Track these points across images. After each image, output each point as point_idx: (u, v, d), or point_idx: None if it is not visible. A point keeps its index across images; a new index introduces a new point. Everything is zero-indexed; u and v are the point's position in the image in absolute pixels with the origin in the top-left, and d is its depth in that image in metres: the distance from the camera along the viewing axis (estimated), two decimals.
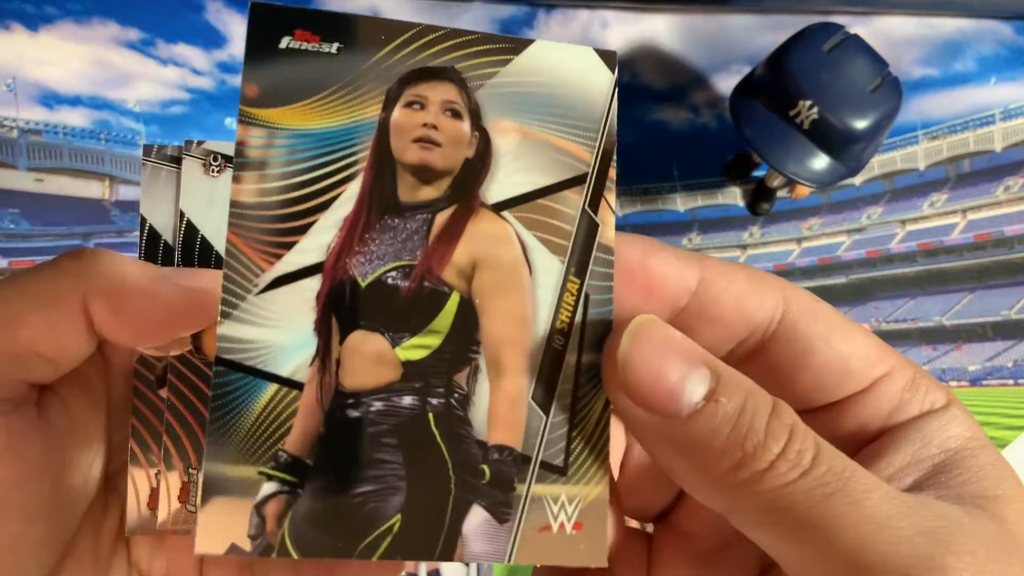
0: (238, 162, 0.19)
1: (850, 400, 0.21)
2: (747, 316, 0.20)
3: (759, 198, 0.54)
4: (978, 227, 0.56)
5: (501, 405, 0.19)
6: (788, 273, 0.55)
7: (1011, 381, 0.54)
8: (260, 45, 0.19)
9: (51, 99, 0.50)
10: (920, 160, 0.56)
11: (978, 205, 0.56)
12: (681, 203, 0.55)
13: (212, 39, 0.52)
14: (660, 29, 0.55)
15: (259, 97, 0.19)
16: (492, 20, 0.54)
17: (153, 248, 0.25)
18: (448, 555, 0.19)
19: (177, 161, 0.26)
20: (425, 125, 0.19)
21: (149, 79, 0.51)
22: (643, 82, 0.55)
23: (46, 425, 0.22)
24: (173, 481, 0.24)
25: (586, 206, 0.20)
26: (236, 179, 0.19)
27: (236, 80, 0.52)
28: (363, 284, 0.19)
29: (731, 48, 0.55)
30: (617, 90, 0.20)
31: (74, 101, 0.50)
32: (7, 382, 0.21)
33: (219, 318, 0.19)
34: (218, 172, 0.25)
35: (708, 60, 0.55)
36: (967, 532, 0.17)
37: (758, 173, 0.54)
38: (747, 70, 0.49)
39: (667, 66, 0.55)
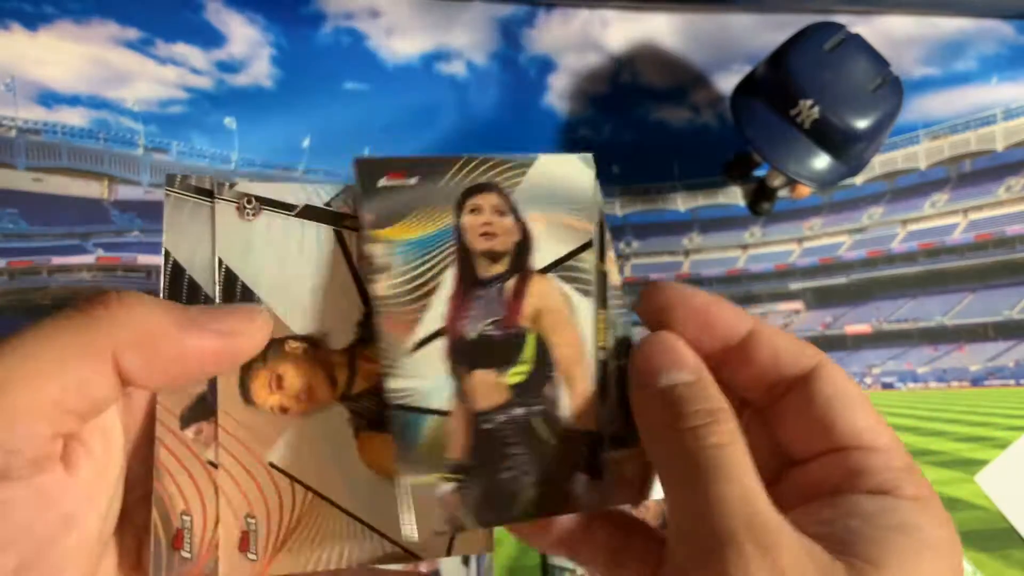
0: (371, 268, 0.26)
1: (826, 457, 0.25)
2: (780, 368, 0.26)
3: (760, 198, 0.54)
4: (979, 227, 0.56)
5: (577, 403, 0.27)
6: (789, 273, 0.55)
7: (1012, 381, 0.54)
8: (368, 186, 0.27)
9: (50, 98, 0.50)
10: (921, 160, 0.56)
11: (979, 205, 0.56)
12: (682, 203, 0.55)
13: (211, 38, 0.52)
14: (660, 28, 0.55)
15: (375, 221, 0.27)
16: (492, 19, 0.54)
17: (177, 284, 0.26)
18: (570, 508, 0.26)
19: (202, 192, 0.26)
20: (485, 223, 0.28)
21: (148, 78, 0.51)
22: (643, 82, 0.55)
23: (73, 478, 0.22)
24: (230, 531, 0.25)
25: (597, 261, 0.28)
26: (371, 280, 0.26)
27: (235, 79, 0.52)
28: (472, 338, 0.27)
29: (732, 47, 0.55)
30: (598, 182, 0.29)
31: (73, 100, 0.50)
32: (34, 440, 0.21)
33: (385, 375, 0.25)
34: (253, 215, 0.27)
35: (709, 59, 0.55)
36: (815, 559, 0.21)
37: (759, 173, 0.54)
38: (748, 69, 0.49)
39: (667, 66, 0.55)
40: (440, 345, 0.26)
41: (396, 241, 0.27)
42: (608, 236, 0.29)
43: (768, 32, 0.55)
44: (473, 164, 0.28)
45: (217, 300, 0.26)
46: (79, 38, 0.51)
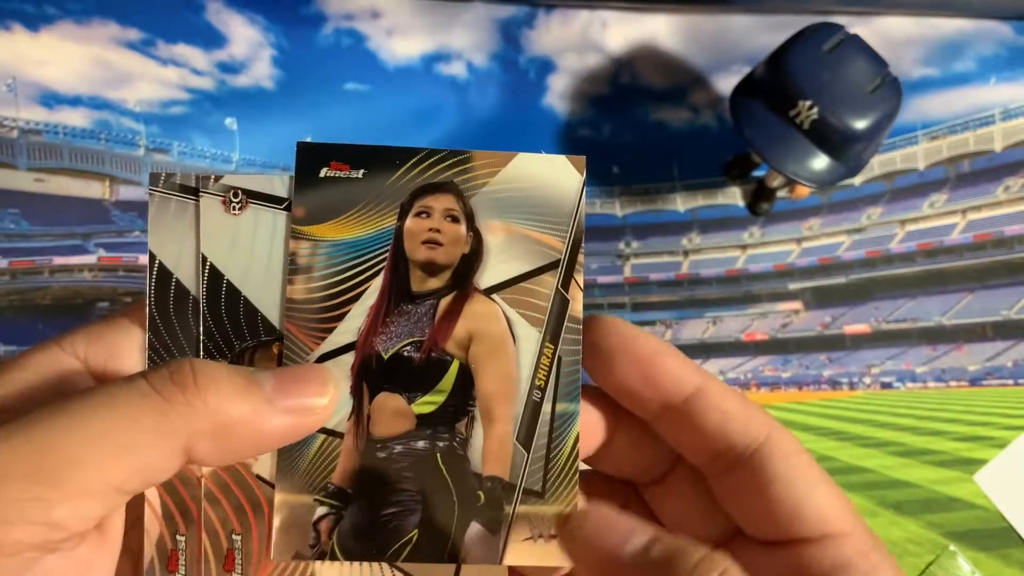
0: (291, 268, 0.24)
1: (797, 545, 0.23)
2: (728, 435, 0.24)
3: (759, 198, 0.54)
4: (978, 227, 0.56)
5: (492, 445, 0.25)
6: (788, 273, 0.55)
7: (1011, 381, 0.54)
8: (305, 176, 0.24)
9: (51, 99, 0.50)
10: (920, 160, 0.56)
11: (978, 205, 0.56)
12: (681, 203, 0.55)
13: (212, 39, 0.52)
14: (660, 29, 0.55)
15: (305, 217, 0.24)
16: (492, 20, 0.54)
17: (164, 289, 0.24)
18: (453, 558, 0.24)
19: (187, 191, 0.25)
20: (431, 230, 0.25)
21: (149, 79, 0.51)
22: (643, 82, 0.55)
23: (106, 542, 0.22)
24: (214, 549, 0.24)
25: (559, 286, 0.25)
26: (290, 281, 0.24)
27: (236, 80, 0.52)
28: (386, 356, 0.24)
29: (731, 48, 0.55)
30: (585, 188, 0.25)
31: (74, 101, 0.50)
32: (85, 519, 0.20)
33: None
34: (239, 209, 0.25)
35: (708, 60, 0.55)
36: None
37: (758, 173, 0.54)
38: (747, 70, 0.49)
39: (667, 66, 0.55)
40: (346, 360, 0.24)
41: (324, 240, 0.24)
42: (582, 259, 0.25)
43: (767, 33, 0.55)
44: (434, 159, 0.25)
45: (202, 302, 0.24)
46: (80, 39, 0.51)
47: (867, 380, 0.54)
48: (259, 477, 0.25)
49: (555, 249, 0.25)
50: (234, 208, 0.25)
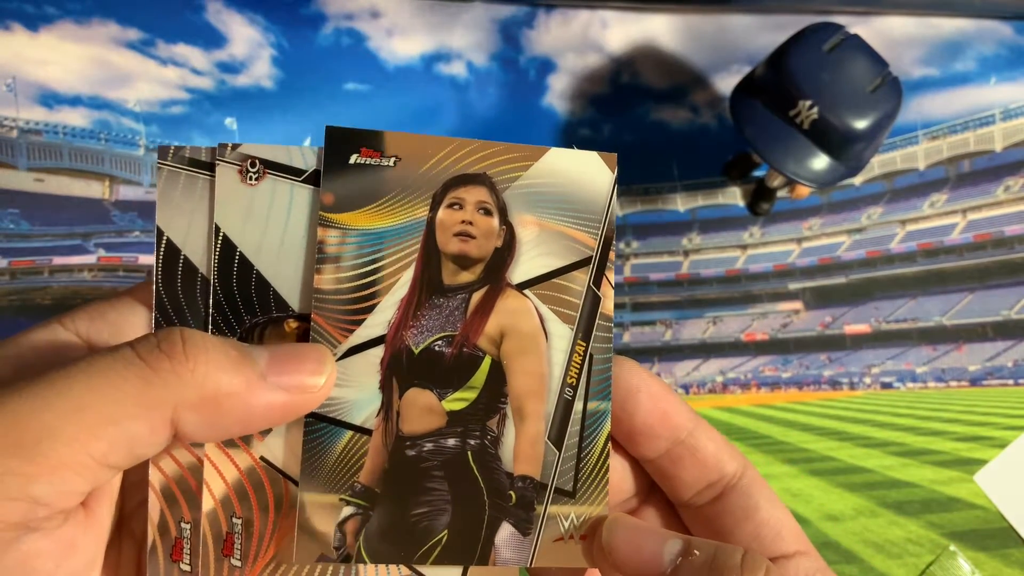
0: (319, 256, 0.23)
1: (780, 561, 0.25)
2: (721, 464, 0.25)
3: (759, 198, 0.54)
4: (978, 227, 0.56)
5: (524, 444, 0.24)
6: (788, 273, 0.55)
7: (1011, 381, 0.54)
8: (334, 161, 0.23)
9: (51, 99, 0.50)
10: (920, 160, 0.56)
11: (978, 205, 0.56)
12: (681, 203, 0.55)
13: (212, 39, 0.52)
14: (660, 29, 0.55)
15: (334, 204, 0.23)
16: (492, 20, 0.54)
17: (171, 266, 0.23)
18: (484, 560, 0.24)
19: (197, 164, 0.23)
20: (463, 222, 0.24)
21: (149, 79, 0.51)
22: (643, 82, 0.55)
23: (93, 521, 0.21)
24: (213, 533, 0.23)
25: (591, 283, 0.25)
26: (318, 271, 0.23)
27: (236, 80, 0.52)
28: (416, 351, 0.24)
29: (731, 48, 0.55)
30: (616, 186, 0.25)
31: (74, 101, 0.50)
32: (68, 495, 0.19)
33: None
34: (256, 180, 0.23)
35: (708, 60, 0.55)
36: None
37: (758, 173, 0.54)
38: (747, 70, 0.49)
39: (667, 66, 0.55)
40: (375, 354, 0.23)
41: (353, 229, 0.23)
42: (612, 256, 0.25)
43: (767, 33, 0.55)
44: (467, 150, 0.24)
45: (213, 275, 0.23)
46: (80, 39, 0.51)
47: (867, 380, 0.54)
48: (263, 459, 0.24)
49: (587, 246, 0.25)
50: (251, 178, 0.23)
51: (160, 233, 0.23)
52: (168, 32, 0.52)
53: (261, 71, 0.52)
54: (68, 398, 0.19)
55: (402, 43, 0.54)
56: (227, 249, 0.23)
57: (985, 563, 0.49)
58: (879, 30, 0.56)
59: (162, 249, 0.23)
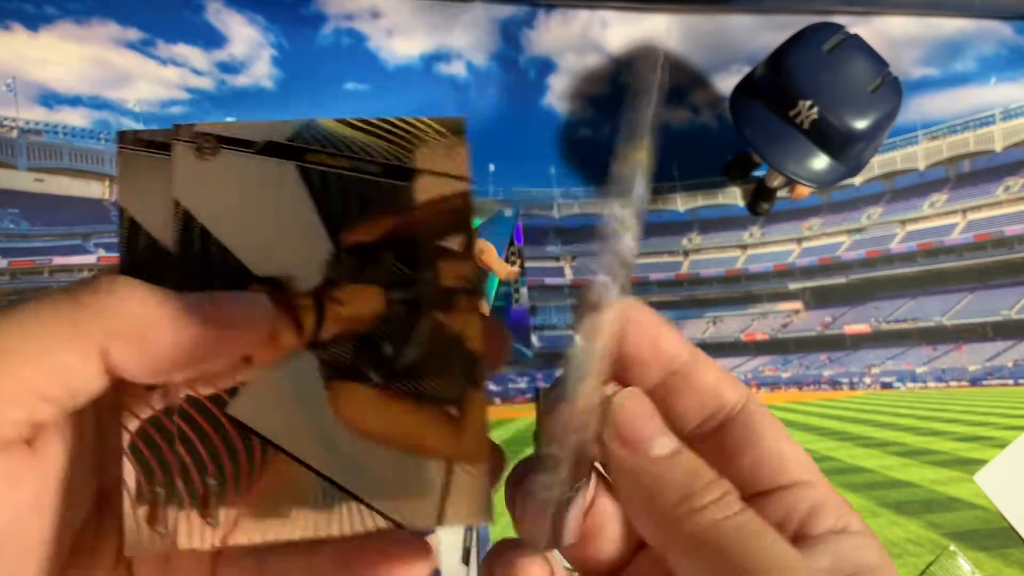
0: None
1: (778, 493, 0.24)
2: (720, 395, 0.25)
3: (759, 198, 0.54)
4: (978, 227, 0.56)
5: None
6: (788, 273, 0.55)
7: (1011, 381, 0.54)
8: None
9: (51, 99, 0.50)
10: (920, 160, 0.56)
11: (978, 205, 0.56)
12: (681, 203, 0.55)
13: (212, 39, 0.52)
14: (660, 29, 0.55)
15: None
16: (492, 20, 0.54)
17: (135, 240, 0.24)
18: None
19: (154, 146, 0.25)
20: None
21: (149, 79, 0.51)
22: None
23: (38, 461, 0.21)
24: (189, 494, 0.23)
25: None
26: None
27: (236, 80, 0.52)
28: None
29: (731, 48, 0.55)
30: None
31: (74, 101, 0.50)
32: (3, 425, 0.20)
33: None
34: (211, 155, 0.25)
35: (708, 60, 0.55)
36: None
37: (758, 173, 0.54)
38: (747, 70, 0.49)
39: (667, 66, 0.55)
40: None
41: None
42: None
43: (767, 33, 0.55)
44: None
45: (174, 244, 0.24)
46: (80, 39, 0.51)
47: (867, 380, 0.54)
48: (232, 418, 0.23)
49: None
50: (206, 154, 0.25)
51: (122, 211, 0.24)
52: (168, 32, 0.52)
53: (261, 71, 0.52)
54: (4, 335, 0.20)
55: (402, 43, 0.54)
56: (187, 221, 0.24)
57: (985, 563, 0.49)
58: (879, 30, 0.56)
59: (125, 227, 0.24)
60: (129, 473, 0.23)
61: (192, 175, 0.24)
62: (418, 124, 0.25)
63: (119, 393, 0.23)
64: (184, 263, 0.24)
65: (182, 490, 0.23)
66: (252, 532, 0.23)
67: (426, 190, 0.25)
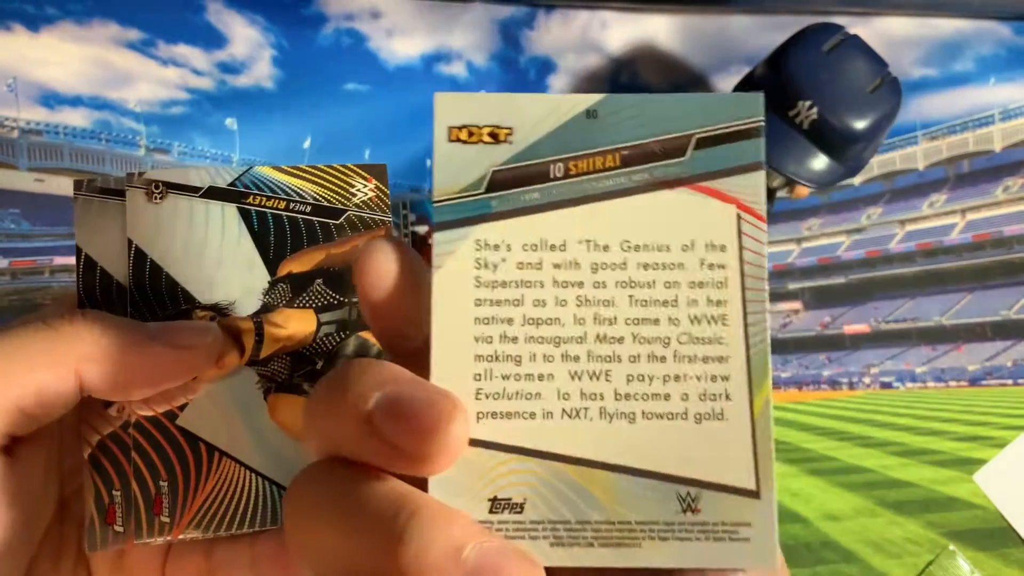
0: None
1: None
2: None
3: None
4: (977, 227, 0.56)
5: None
6: (788, 273, 0.55)
7: (1010, 381, 0.54)
8: None
9: (52, 99, 0.50)
10: (919, 160, 0.56)
11: (977, 205, 0.56)
12: None
13: (212, 39, 0.52)
14: (660, 29, 0.56)
15: None
16: (492, 20, 0.55)
17: (90, 276, 0.27)
18: None
19: (107, 192, 0.28)
20: None
21: (149, 79, 0.51)
22: (643, 83, 0.55)
23: (12, 469, 0.23)
24: (143, 495, 0.26)
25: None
26: None
27: (236, 80, 0.52)
28: None
29: (731, 48, 0.56)
30: None
31: (75, 101, 0.50)
32: None
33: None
34: (161, 199, 0.28)
35: (708, 60, 0.55)
36: None
37: None
38: (746, 70, 0.49)
39: (667, 66, 0.55)
40: None
41: None
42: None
43: (767, 33, 0.55)
44: None
45: (128, 279, 0.27)
46: (81, 39, 0.51)
47: (867, 380, 0.54)
48: (181, 428, 0.26)
49: None
50: (156, 198, 0.28)
51: (79, 251, 0.28)
52: (168, 32, 0.52)
53: (261, 71, 0.52)
54: None
55: (402, 43, 0.54)
56: (139, 257, 0.27)
57: (984, 563, 0.49)
58: (878, 30, 0.56)
59: (82, 263, 0.27)
60: (89, 479, 0.26)
61: (144, 216, 0.27)
62: (345, 170, 0.28)
63: (81, 408, 0.25)
64: (136, 292, 0.27)
65: (137, 494, 0.26)
66: (200, 528, 0.26)
67: (352, 226, 0.28)
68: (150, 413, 0.26)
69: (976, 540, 0.49)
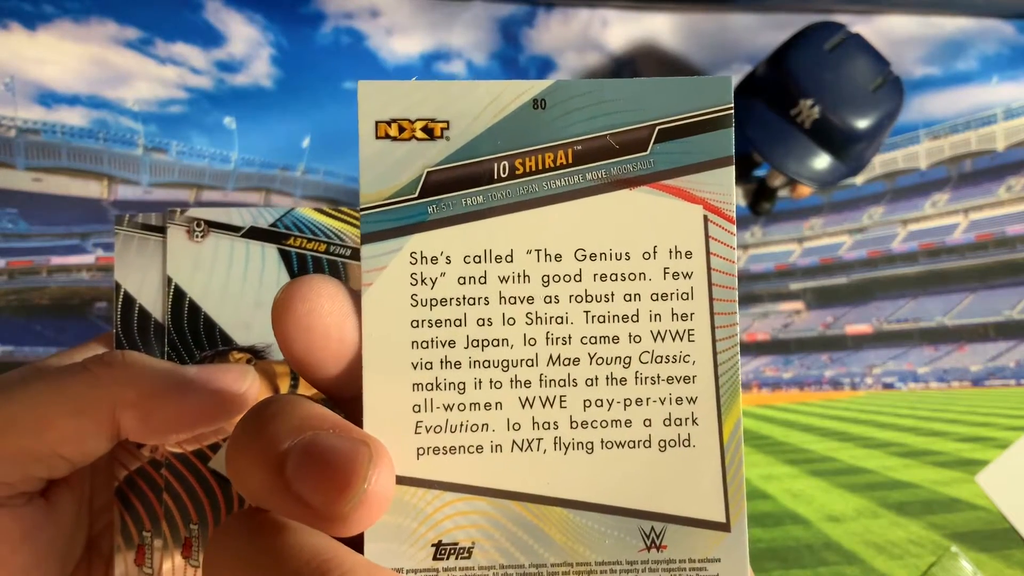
0: None
1: None
2: None
3: (760, 198, 0.54)
4: (980, 227, 0.55)
5: None
6: (789, 273, 0.55)
7: (1013, 381, 0.54)
8: None
9: (49, 98, 0.50)
10: (922, 159, 0.56)
11: (980, 205, 0.56)
12: None
13: (211, 38, 0.52)
14: (660, 28, 0.55)
15: None
16: (492, 19, 0.54)
17: (128, 313, 0.27)
18: None
19: (148, 228, 0.28)
20: None
21: (147, 78, 0.51)
22: None
23: (53, 511, 0.24)
24: (175, 537, 0.26)
25: None
26: None
27: (234, 79, 0.52)
28: None
29: (732, 47, 0.55)
30: None
31: (72, 100, 0.50)
32: (28, 479, 0.23)
33: None
34: (202, 237, 0.27)
35: (709, 59, 0.55)
36: None
37: (759, 173, 0.54)
38: (748, 69, 0.49)
39: (667, 65, 0.55)
40: None
41: None
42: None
43: (768, 32, 0.55)
44: None
45: (166, 316, 0.27)
46: (78, 38, 0.51)
47: (869, 380, 0.54)
48: (213, 471, 0.26)
49: None
50: (197, 236, 0.27)
51: (118, 287, 0.27)
52: (167, 31, 0.51)
53: (260, 70, 0.52)
54: (26, 395, 0.23)
55: (401, 42, 0.54)
56: (178, 296, 0.27)
57: (987, 564, 0.48)
58: (881, 29, 0.56)
59: (120, 300, 0.27)
60: (118, 518, 0.26)
61: (184, 255, 0.27)
62: None
63: (114, 449, 0.25)
64: (174, 331, 0.27)
65: (167, 534, 0.26)
66: None
67: None
68: (180, 451, 0.26)
69: (978, 541, 0.49)
